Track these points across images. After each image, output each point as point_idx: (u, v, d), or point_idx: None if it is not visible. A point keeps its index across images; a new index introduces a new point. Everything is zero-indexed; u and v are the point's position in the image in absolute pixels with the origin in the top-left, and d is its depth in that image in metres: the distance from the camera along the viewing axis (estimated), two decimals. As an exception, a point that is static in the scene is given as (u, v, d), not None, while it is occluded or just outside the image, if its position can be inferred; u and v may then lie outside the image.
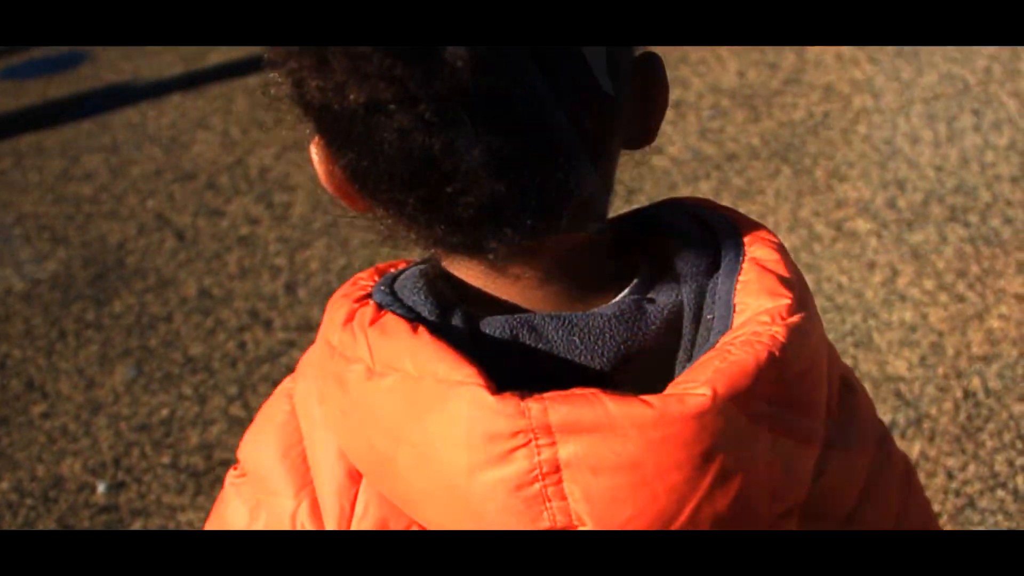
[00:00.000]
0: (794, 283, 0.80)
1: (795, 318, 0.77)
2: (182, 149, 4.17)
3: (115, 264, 3.55)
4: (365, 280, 0.86)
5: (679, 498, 0.74)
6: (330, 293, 2.69)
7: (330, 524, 0.85)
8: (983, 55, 4.15)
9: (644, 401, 0.73)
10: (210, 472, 2.73)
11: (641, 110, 0.82)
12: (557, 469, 0.73)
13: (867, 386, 2.71)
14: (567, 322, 0.79)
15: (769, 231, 0.85)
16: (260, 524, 0.90)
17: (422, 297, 0.81)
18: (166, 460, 2.79)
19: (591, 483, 0.74)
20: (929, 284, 3.05)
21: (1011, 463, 2.55)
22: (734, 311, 0.80)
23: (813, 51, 4.31)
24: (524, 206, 0.76)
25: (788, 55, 4.30)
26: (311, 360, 0.88)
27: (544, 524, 0.75)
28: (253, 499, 0.91)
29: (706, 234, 0.85)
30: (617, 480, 0.73)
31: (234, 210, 3.76)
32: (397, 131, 0.72)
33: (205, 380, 3.02)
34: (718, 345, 0.78)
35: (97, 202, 3.92)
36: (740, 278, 0.81)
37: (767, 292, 0.79)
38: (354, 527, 0.84)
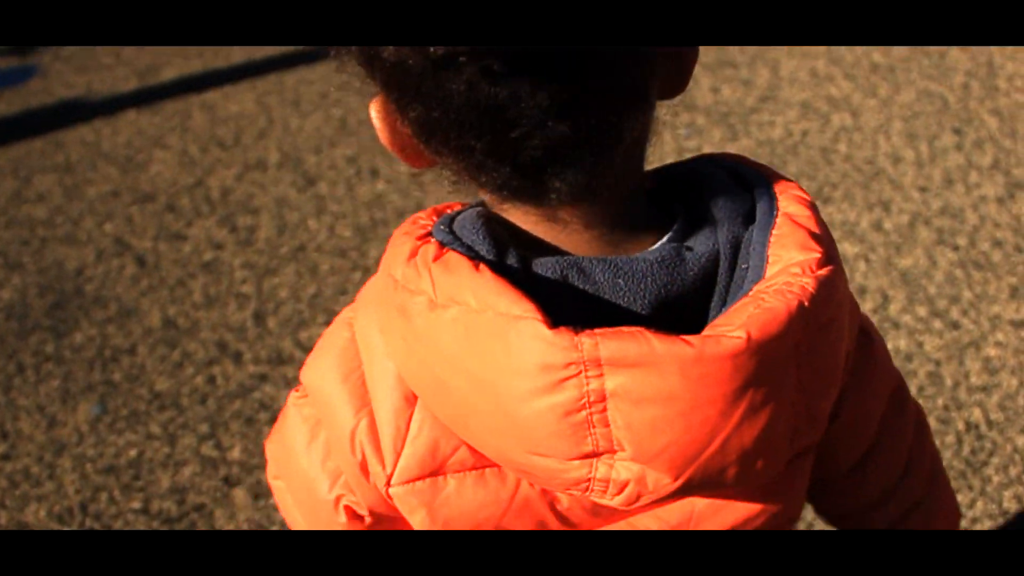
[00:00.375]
0: (823, 239, 0.87)
1: (824, 271, 0.84)
2: (139, 169, 4.02)
3: (73, 292, 3.40)
4: (424, 220, 0.92)
5: (711, 430, 0.82)
6: (301, 323, 2.58)
7: (386, 442, 0.93)
8: (960, 71, 4.08)
9: (685, 340, 0.80)
10: (184, 518, 2.60)
11: (673, 62, 0.88)
12: (603, 399, 0.80)
13: (866, 420, 2.62)
14: (612, 265, 0.86)
15: (801, 188, 0.91)
16: (320, 441, 1.01)
17: (480, 237, 0.88)
18: (136, 505, 2.65)
19: (633, 413, 0.81)
20: (922, 311, 2.97)
21: (1019, 499, 2.47)
22: (767, 262, 0.86)
23: (787, 67, 4.23)
24: (584, 148, 0.83)
25: (762, 71, 4.22)
26: (371, 292, 0.96)
27: (587, 448, 0.83)
28: (313, 418, 1.02)
29: (740, 187, 0.92)
30: (656, 411, 0.81)
31: (196, 234, 3.62)
32: (466, 82, 0.79)
33: (174, 418, 2.88)
34: (752, 292, 0.85)
35: (52, 225, 3.77)
36: (774, 232, 0.87)
37: (799, 246, 0.85)
38: (407, 446, 0.92)
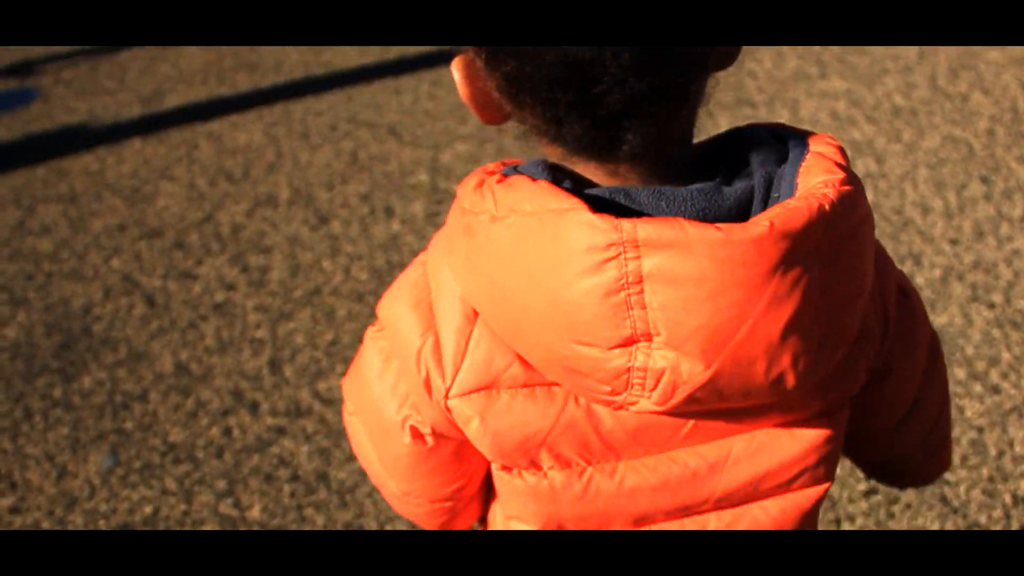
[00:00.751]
0: (847, 168, 0.94)
1: (845, 187, 0.91)
2: (146, 202, 3.92)
3: (81, 332, 3.30)
4: (492, 168, 1.00)
5: (739, 314, 0.88)
6: (319, 373, 2.49)
7: (447, 358, 1.02)
8: (984, 116, 4.02)
9: (715, 227, 0.87)
10: (203, 583, 2.50)
11: None
12: (640, 280, 0.87)
13: (909, 490, 2.54)
14: (656, 192, 0.93)
15: (832, 137, 0.99)
16: (391, 368, 1.10)
17: (540, 169, 0.97)
18: (153, 568, 2.54)
19: (667, 293, 0.87)
20: (960, 373, 2.89)
21: (1069, 579, 2.39)
22: (796, 189, 0.93)
23: (807, 107, 4.16)
24: (657, 104, 0.92)
25: (781, 111, 4.14)
26: (441, 232, 1.04)
27: (626, 331, 0.89)
28: (386, 350, 1.10)
29: (778, 141, 1.00)
30: (688, 292, 0.87)
31: (207, 273, 3.52)
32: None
33: (190, 472, 2.78)
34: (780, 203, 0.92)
35: (57, 260, 3.66)
36: (802, 165, 0.94)
37: (824, 171, 0.93)
38: (466, 359, 1.02)
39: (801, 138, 0.99)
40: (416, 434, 1.12)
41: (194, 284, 3.47)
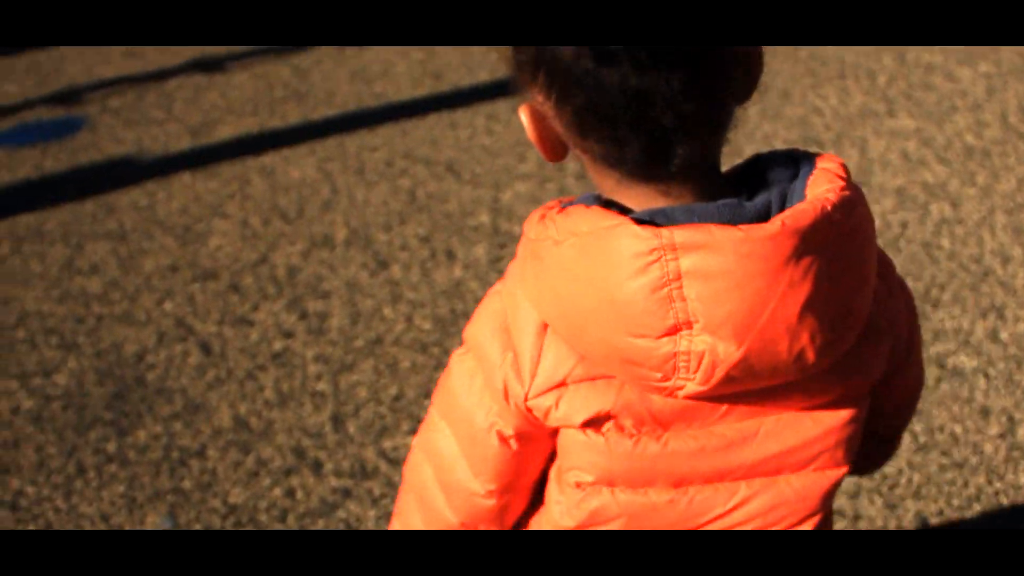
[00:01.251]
0: (847, 178, 1.11)
1: (845, 192, 1.09)
2: (198, 241, 3.82)
3: (135, 381, 3.20)
4: (551, 204, 1.17)
5: (761, 300, 1.06)
6: (384, 430, 2.38)
7: (524, 369, 1.20)
8: (1061, 159, 3.90)
9: (738, 228, 1.05)
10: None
11: (744, 73, 1.12)
12: (679, 277, 1.05)
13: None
14: (687, 208, 1.10)
15: (836, 156, 1.15)
16: (477, 385, 1.27)
17: (592, 200, 1.14)
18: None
19: (702, 287, 1.05)
20: (1056, 439, 2.77)
21: None
22: (805, 199, 1.10)
23: (875, 148, 4.04)
24: (703, 124, 1.09)
25: (850, 152, 4.03)
26: (514, 263, 1.22)
27: (670, 321, 1.07)
28: (472, 369, 1.27)
29: (792, 162, 1.16)
30: (719, 284, 1.05)
31: (264, 319, 3.42)
32: (621, 73, 1.04)
33: (253, 538, 2.67)
34: None
35: (108, 301, 3.57)
36: (810, 179, 1.11)
37: (827, 181, 1.10)
38: (540, 366, 1.20)
39: (811, 158, 1.15)
40: (502, 437, 1.28)
41: (251, 331, 3.37)
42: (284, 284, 3.57)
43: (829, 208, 1.07)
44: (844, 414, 1.25)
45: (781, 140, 4.13)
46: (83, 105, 4.88)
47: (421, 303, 3.42)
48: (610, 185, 1.16)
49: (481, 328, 1.27)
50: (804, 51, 4.73)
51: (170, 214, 4.00)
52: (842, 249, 1.09)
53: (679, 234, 1.05)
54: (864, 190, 3.82)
